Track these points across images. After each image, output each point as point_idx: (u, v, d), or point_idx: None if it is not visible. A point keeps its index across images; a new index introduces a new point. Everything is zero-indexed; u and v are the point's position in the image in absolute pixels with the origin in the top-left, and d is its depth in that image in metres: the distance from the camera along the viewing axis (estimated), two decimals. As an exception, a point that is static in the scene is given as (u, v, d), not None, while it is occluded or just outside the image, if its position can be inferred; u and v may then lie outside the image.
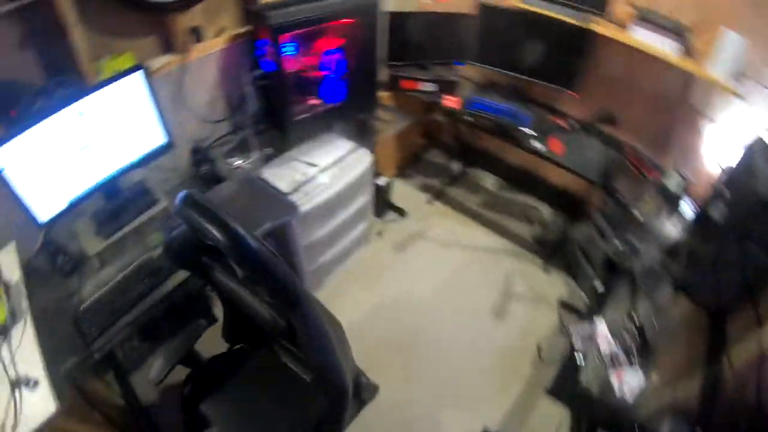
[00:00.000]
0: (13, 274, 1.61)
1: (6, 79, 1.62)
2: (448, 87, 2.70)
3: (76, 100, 1.63)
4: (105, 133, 1.78)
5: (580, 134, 2.57)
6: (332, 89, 2.26)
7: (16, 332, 1.42)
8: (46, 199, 1.64)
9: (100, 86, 1.70)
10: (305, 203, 2.14)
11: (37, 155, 1.55)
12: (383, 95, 2.77)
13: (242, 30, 2.20)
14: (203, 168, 2.15)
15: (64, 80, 1.66)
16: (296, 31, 1.97)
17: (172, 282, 1.72)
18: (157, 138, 1.96)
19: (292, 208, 1.99)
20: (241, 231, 0.89)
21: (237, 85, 2.28)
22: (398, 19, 2.62)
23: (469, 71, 2.86)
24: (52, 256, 1.73)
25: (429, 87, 2.69)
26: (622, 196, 2.23)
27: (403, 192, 3.40)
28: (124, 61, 1.90)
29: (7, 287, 1.53)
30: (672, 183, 2.12)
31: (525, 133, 2.46)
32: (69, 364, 1.45)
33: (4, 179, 1.48)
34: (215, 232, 0.88)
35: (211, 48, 2.15)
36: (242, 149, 2.35)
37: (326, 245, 2.50)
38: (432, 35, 2.69)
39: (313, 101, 2.31)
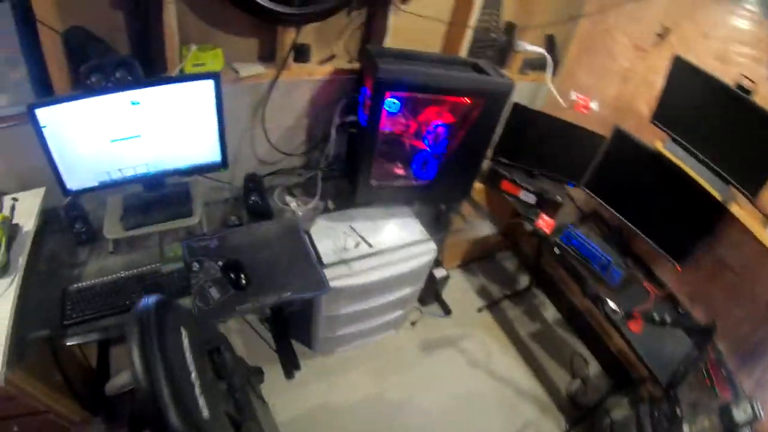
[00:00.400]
0: (29, 220, 1.53)
1: (95, 34, 1.49)
2: (548, 205, 2.33)
3: (134, 88, 1.41)
4: (157, 130, 1.55)
5: (665, 312, 2.13)
6: (424, 165, 1.95)
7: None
8: (79, 170, 1.52)
9: (164, 82, 1.49)
10: (343, 280, 1.81)
11: (81, 127, 1.44)
12: (476, 186, 2.44)
13: (351, 66, 1.93)
14: (253, 197, 1.88)
15: (131, 62, 1.41)
16: (407, 93, 1.68)
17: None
18: (212, 153, 1.69)
19: (322, 285, 1.66)
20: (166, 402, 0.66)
21: (323, 122, 2.02)
22: (522, 113, 2.30)
23: (577, 192, 2.49)
24: (72, 218, 1.61)
25: (529, 198, 2.33)
26: (680, 409, 1.80)
27: (458, 288, 3.03)
28: (213, 57, 1.66)
29: (11, 238, 1.45)
30: (740, 412, 1.70)
31: (608, 305, 2.03)
32: (39, 333, 1.35)
33: (43, 136, 1.39)
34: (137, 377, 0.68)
35: (312, 73, 1.91)
36: (304, 191, 2.08)
37: (352, 321, 2.17)
38: (552, 143, 2.34)
39: (398, 170, 2.01)
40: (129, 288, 1.49)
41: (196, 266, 1.59)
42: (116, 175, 1.60)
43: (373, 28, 1.92)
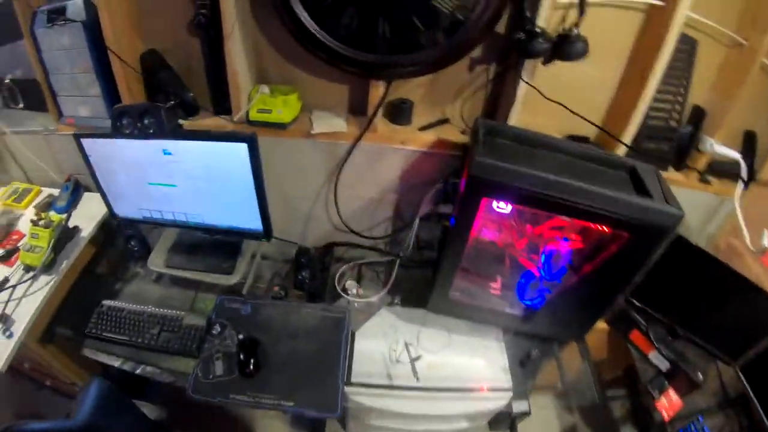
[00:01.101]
0: (90, 224, 1.63)
1: (167, 62, 1.43)
2: (682, 380, 1.54)
3: (158, 138, 1.18)
4: (191, 184, 1.33)
5: None
6: (529, 289, 1.39)
7: (38, 282, 1.42)
8: (123, 200, 1.50)
9: (190, 137, 1.28)
10: (373, 398, 1.35)
11: (120, 164, 1.38)
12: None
13: (462, 139, 1.46)
14: (302, 273, 1.56)
15: (156, 110, 1.19)
16: (523, 203, 1.14)
17: (166, 363, 1.38)
18: (252, 220, 1.39)
19: (333, 408, 1.26)
20: None
21: (408, 207, 1.60)
22: (683, 250, 1.44)
23: (726, 370, 1.62)
24: (127, 236, 1.63)
25: (660, 363, 1.55)
26: None
27: (541, 424, 2.32)
28: (283, 104, 1.38)
29: (68, 238, 1.55)
30: None
31: None
32: (64, 331, 1.45)
33: (89, 163, 1.39)
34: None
35: (405, 142, 1.46)
36: (374, 276, 1.69)
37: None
38: (715, 301, 1.46)
39: (494, 289, 1.47)
40: (147, 326, 1.42)
41: (216, 329, 1.42)
42: (156, 215, 1.50)
43: (500, 92, 1.43)
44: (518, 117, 1.33)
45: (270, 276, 1.64)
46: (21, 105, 1.57)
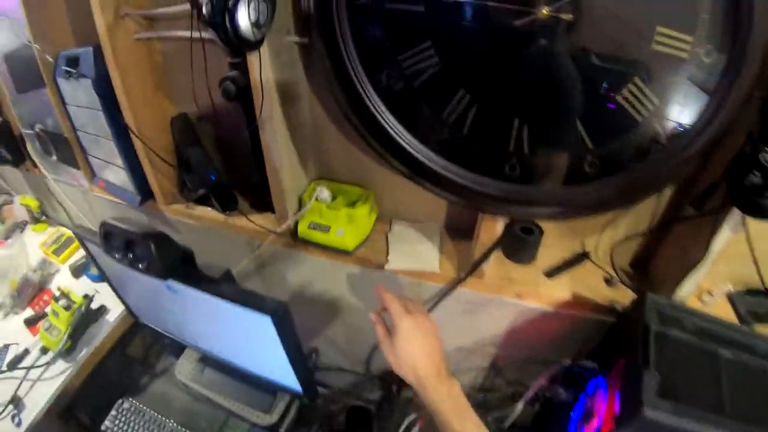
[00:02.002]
0: (118, 305, 1.30)
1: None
2: None
3: (157, 277, 0.81)
4: (207, 326, 0.97)
5: None
6: None
7: (55, 367, 1.21)
8: (142, 311, 1.21)
9: (192, 285, 0.86)
10: None
11: (132, 284, 1.10)
12: None
13: (605, 297, 0.86)
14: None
15: (144, 244, 0.82)
16: None
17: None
18: (288, 378, 0.95)
19: None
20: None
21: (511, 367, 1.04)
22: None
23: None
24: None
25: None
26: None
27: None
28: (347, 221, 0.93)
29: (91, 321, 1.30)
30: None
31: None
32: (80, 418, 1.27)
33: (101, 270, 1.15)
34: None
35: (521, 295, 0.91)
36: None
37: None
38: None
39: None
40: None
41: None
42: (178, 338, 1.16)
43: (675, 237, 0.80)
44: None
45: (317, 427, 1.21)
46: (54, 158, 1.29)
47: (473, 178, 0.72)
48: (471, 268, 0.87)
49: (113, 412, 1.25)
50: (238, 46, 0.68)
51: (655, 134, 0.64)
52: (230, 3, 0.63)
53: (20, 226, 1.70)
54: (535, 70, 0.64)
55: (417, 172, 0.74)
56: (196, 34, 0.69)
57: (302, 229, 0.92)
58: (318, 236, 0.91)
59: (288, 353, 0.83)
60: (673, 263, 0.81)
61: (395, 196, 0.94)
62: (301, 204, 0.94)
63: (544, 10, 0.59)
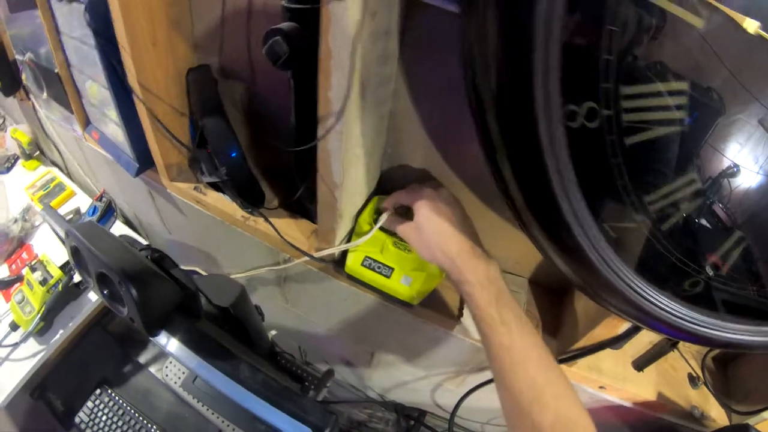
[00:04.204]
0: None
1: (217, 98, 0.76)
2: None
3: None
4: None
5: None
6: None
7: (27, 346, 1.05)
8: None
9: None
10: None
11: None
12: None
13: (678, 400, 0.61)
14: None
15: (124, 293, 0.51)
16: None
17: None
18: None
19: None
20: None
21: None
22: None
23: None
24: None
25: None
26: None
27: None
28: (425, 266, 0.63)
29: (71, 299, 1.11)
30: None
31: None
32: (54, 404, 1.08)
33: None
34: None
35: (615, 388, 0.69)
36: None
37: None
38: None
39: None
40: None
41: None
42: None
43: None
44: None
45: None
46: (44, 95, 1.02)
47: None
48: (567, 355, 0.61)
49: (89, 404, 1.09)
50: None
51: None
52: None
53: (11, 160, 1.45)
54: None
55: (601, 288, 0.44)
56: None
57: (353, 264, 0.65)
58: (374, 278, 0.64)
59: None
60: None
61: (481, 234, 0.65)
62: (356, 228, 0.66)
63: None
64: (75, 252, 0.56)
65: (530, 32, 0.29)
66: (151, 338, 0.56)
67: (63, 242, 0.98)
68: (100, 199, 1.20)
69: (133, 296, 0.49)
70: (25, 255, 1.23)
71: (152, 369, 1.16)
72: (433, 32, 0.50)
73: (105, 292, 0.54)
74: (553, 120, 0.32)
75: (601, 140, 0.33)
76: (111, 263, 0.50)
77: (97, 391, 1.10)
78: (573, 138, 0.33)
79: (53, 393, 1.11)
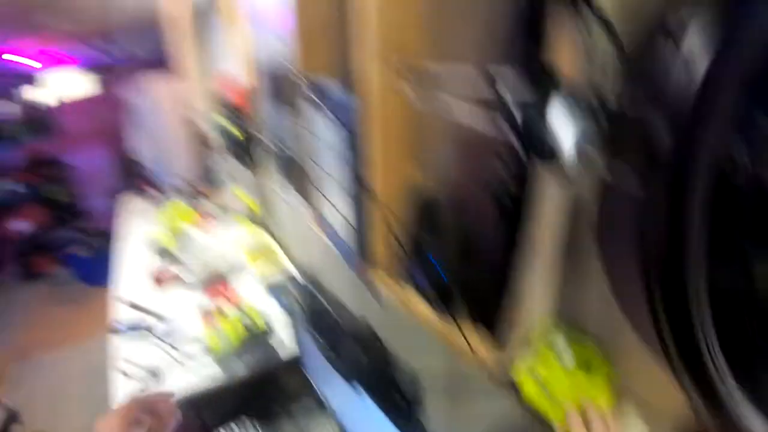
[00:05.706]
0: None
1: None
2: None
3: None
4: None
5: None
6: None
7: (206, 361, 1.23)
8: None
9: None
10: None
11: None
12: None
13: None
14: None
15: None
16: None
17: None
18: None
19: None
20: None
21: None
22: None
23: None
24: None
25: None
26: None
27: None
28: (593, 391, 0.62)
29: (252, 344, 1.26)
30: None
31: None
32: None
33: None
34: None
35: None
36: None
37: None
38: None
39: None
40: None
41: None
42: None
43: None
44: None
45: None
46: (282, 176, 1.32)
47: None
48: None
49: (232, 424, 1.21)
50: (542, 157, 0.49)
51: None
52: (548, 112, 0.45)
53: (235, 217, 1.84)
54: None
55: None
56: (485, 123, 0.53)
57: (527, 386, 0.68)
58: (534, 391, 0.67)
59: None
60: None
61: (640, 379, 0.63)
62: (527, 346, 0.71)
63: None
64: (313, 314, 0.72)
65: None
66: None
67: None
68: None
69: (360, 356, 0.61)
70: (221, 288, 1.50)
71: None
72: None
73: (329, 350, 0.67)
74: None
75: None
76: (348, 326, 0.64)
77: (242, 417, 1.22)
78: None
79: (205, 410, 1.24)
